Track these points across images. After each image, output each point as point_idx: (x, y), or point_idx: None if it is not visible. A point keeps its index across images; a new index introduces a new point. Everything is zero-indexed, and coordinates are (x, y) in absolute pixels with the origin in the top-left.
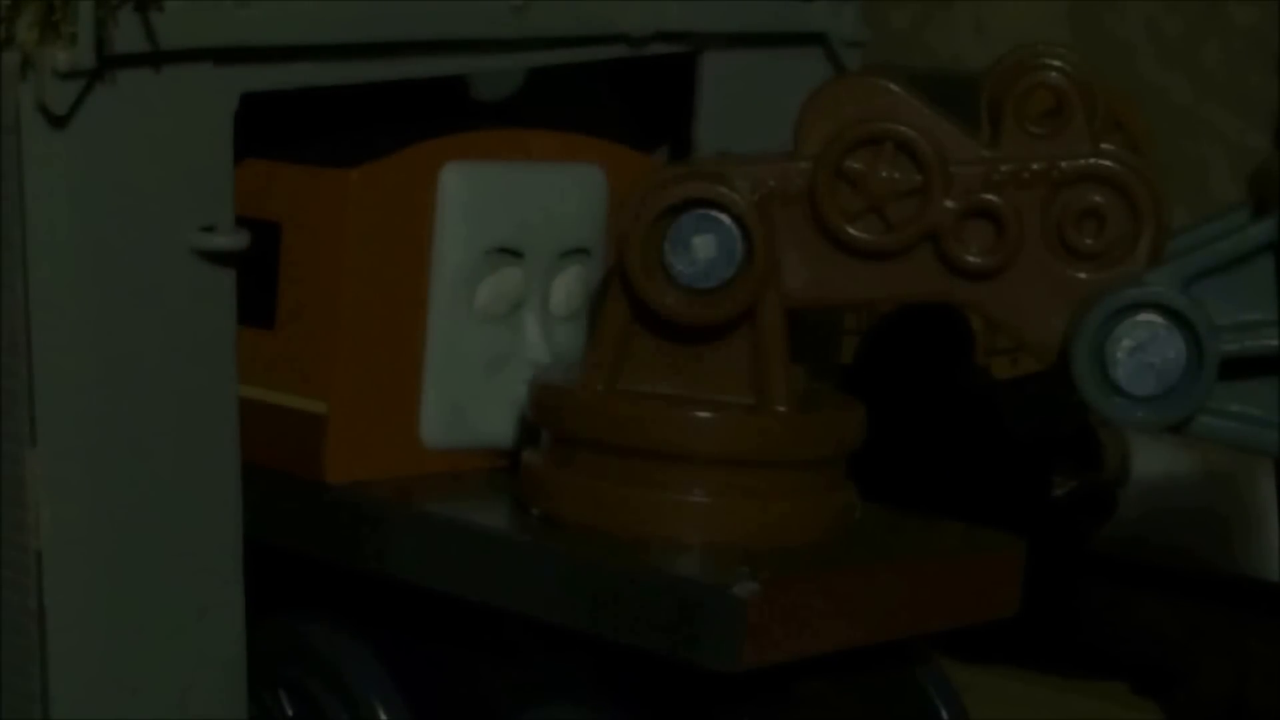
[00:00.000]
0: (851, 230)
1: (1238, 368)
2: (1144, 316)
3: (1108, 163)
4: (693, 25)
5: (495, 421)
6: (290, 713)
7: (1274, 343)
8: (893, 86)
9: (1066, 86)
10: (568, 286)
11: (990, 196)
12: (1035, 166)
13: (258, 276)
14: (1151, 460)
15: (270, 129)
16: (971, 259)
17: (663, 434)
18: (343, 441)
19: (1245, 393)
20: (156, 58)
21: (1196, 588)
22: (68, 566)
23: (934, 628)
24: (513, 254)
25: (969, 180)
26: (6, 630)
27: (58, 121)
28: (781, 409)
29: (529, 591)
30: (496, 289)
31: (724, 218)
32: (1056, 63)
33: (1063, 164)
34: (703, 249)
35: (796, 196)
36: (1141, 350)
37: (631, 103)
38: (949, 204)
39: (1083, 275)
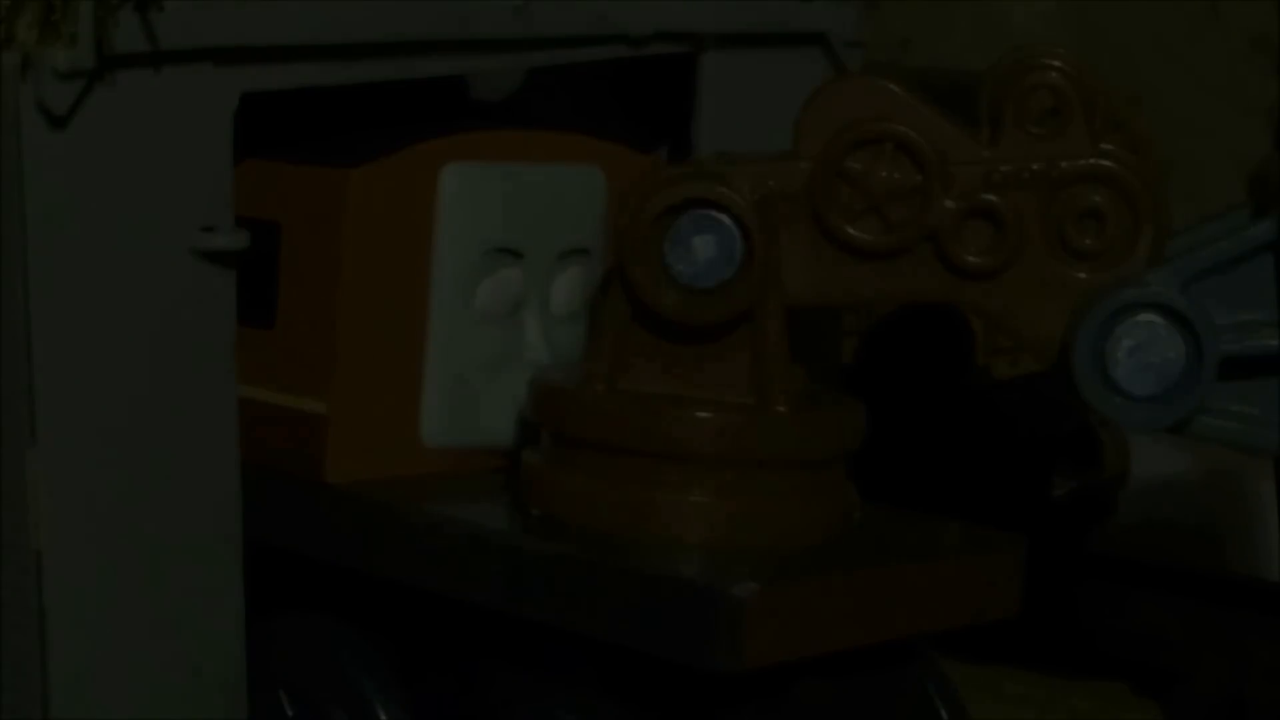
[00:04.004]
0: (851, 230)
1: (1238, 368)
2: (1144, 316)
3: (1108, 163)
4: (693, 25)
5: (495, 421)
6: (290, 713)
7: (1274, 343)
8: (893, 86)
9: (1066, 86)
10: (568, 286)
11: (990, 196)
12: (1035, 166)
13: (258, 276)
14: (1151, 460)
15: (270, 129)
16: (971, 259)
17: (663, 434)
18: (343, 441)
19: (1245, 393)
20: (156, 58)
21: (1196, 588)
22: (68, 566)
23: (934, 628)
24: (513, 254)
25: (969, 180)
26: (6, 630)
27: (58, 121)
28: (781, 409)
29: (529, 592)
30: (496, 289)
31: (724, 218)
32: (1056, 63)
33: (1063, 164)
34: (703, 249)
35: (796, 196)
36: (1141, 350)
37: (631, 103)
38: (949, 204)
39: (1083, 275)
